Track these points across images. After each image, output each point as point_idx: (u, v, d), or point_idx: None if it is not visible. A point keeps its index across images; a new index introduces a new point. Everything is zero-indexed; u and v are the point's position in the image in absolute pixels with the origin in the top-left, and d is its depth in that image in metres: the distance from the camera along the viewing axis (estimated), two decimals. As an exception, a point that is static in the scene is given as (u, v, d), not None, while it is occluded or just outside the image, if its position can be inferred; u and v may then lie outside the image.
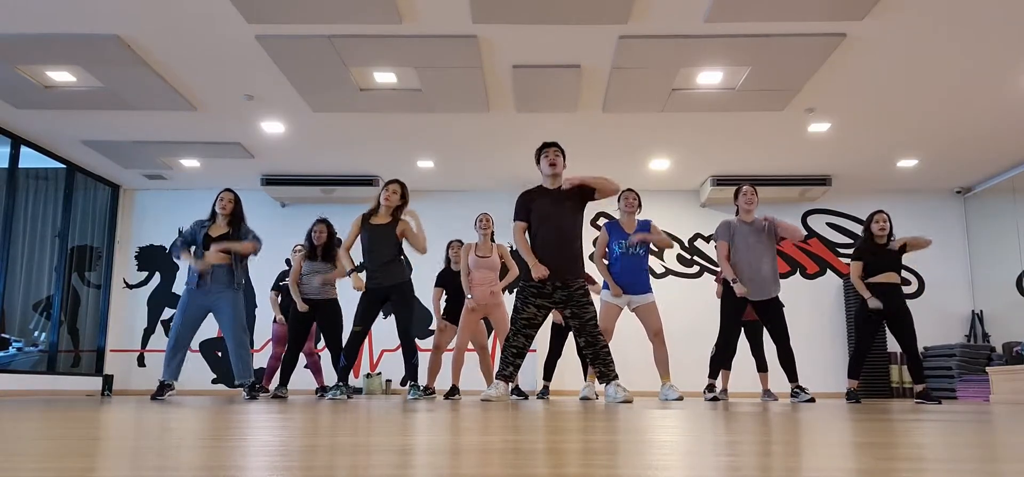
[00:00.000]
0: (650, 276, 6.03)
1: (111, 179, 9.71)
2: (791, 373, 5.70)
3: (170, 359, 5.51)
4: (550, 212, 4.72)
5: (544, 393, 6.79)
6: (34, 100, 7.01)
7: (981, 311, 9.53)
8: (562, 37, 5.81)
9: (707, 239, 9.95)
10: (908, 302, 9.60)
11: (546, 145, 4.93)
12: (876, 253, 6.15)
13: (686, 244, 9.90)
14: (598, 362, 4.63)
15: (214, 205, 5.76)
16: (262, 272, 9.45)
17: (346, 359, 5.59)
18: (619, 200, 5.97)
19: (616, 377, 4.68)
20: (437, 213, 9.71)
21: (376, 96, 6.89)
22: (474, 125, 7.63)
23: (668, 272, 9.83)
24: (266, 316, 9.59)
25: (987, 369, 8.06)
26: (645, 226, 5.84)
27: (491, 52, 6.07)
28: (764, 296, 5.73)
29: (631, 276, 5.76)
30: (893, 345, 9.42)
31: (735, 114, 7.29)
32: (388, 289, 5.64)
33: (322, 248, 6.66)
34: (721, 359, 5.92)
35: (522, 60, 6.19)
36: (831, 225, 9.90)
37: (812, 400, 5.67)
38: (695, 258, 9.93)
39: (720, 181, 9.20)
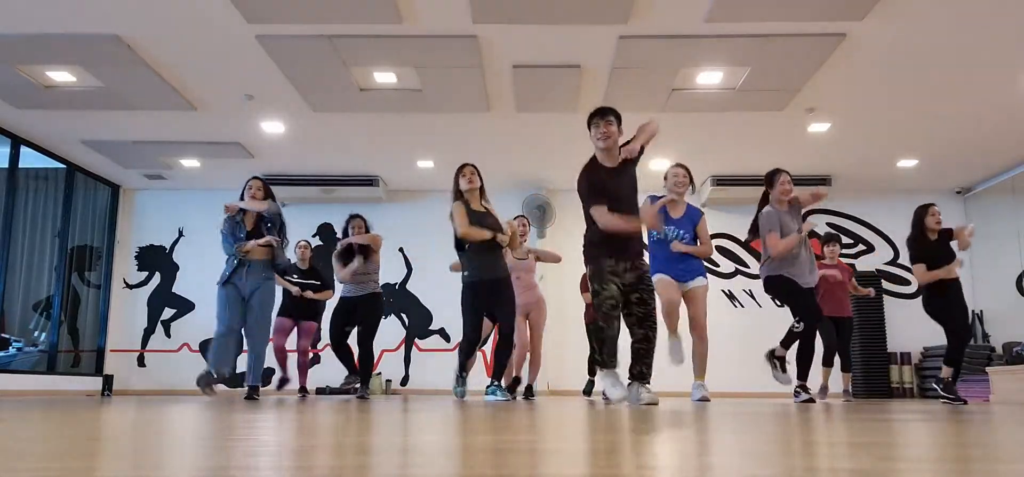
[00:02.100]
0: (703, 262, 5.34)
1: (111, 179, 9.71)
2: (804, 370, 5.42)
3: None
4: (619, 193, 4.29)
5: (591, 390, 6.97)
6: (34, 100, 7.01)
7: (981, 311, 9.52)
8: (562, 37, 5.81)
9: (707, 239, 9.93)
10: (908, 302, 9.64)
11: (597, 114, 4.36)
12: (931, 248, 5.87)
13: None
14: (643, 358, 4.26)
15: (243, 194, 5.59)
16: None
17: (465, 356, 5.32)
18: (666, 177, 5.39)
19: (648, 380, 4.29)
20: (438, 213, 9.69)
21: (376, 96, 6.89)
22: (474, 125, 7.63)
23: (668, 272, 9.82)
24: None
25: (987, 369, 8.05)
26: (693, 219, 5.25)
27: (491, 52, 6.07)
28: (811, 282, 5.34)
29: (678, 261, 5.17)
30: (893, 345, 9.42)
31: (735, 114, 7.28)
32: (491, 283, 5.21)
33: (362, 245, 6.20)
34: (806, 340, 5.35)
35: (522, 60, 6.19)
36: (831, 225, 9.89)
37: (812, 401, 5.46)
38: (695, 258, 9.92)
39: (720, 181, 9.20)
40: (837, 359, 6.87)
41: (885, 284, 9.70)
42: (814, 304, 5.38)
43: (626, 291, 4.26)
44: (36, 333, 8.95)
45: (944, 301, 5.88)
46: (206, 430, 1.87)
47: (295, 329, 7.49)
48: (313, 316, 7.50)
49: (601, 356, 4.28)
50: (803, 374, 5.41)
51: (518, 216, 6.42)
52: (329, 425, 2.08)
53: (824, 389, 6.88)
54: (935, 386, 6.05)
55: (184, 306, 9.79)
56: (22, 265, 8.86)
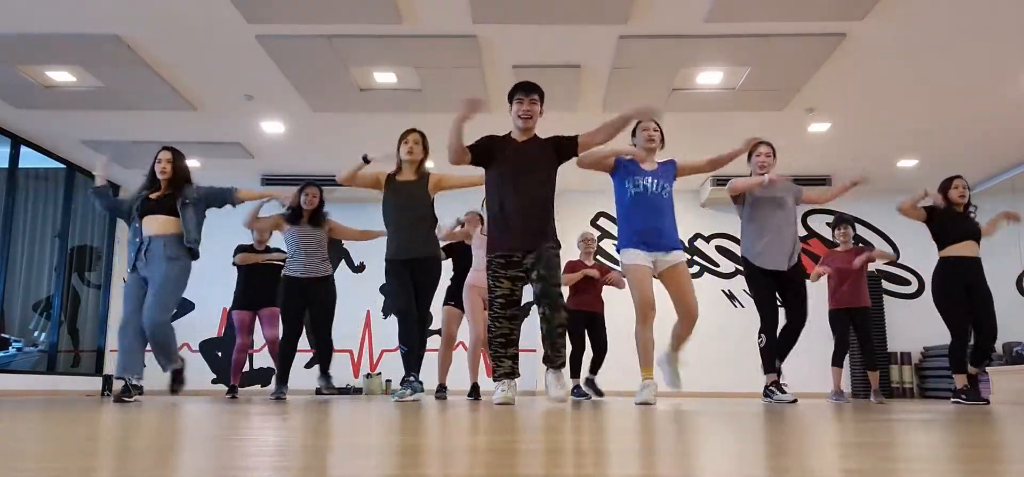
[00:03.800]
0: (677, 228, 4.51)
1: (111, 179, 9.71)
2: (782, 358, 5.13)
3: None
4: (518, 166, 3.99)
5: (577, 393, 6.48)
6: (34, 100, 7.01)
7: (981, 311, 9.51)
8: (562, 37, 5.81)
9: (707, 239, 9.94)
10: (908, 302, 9.63)
11: (521, 89, 4.10)
12: (952, 218, 5.42)
13: (686, 245, 9.89)
14: (547, 340, 3.96)
15: (152, 168, 4.81)
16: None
17: (407, 345, 4.70)
18: (634, 132, 4.64)
19: (563, 365, 4.02)
20: (439, 213, 9.68)
21: (376, 96, 6.89)
22: (474, 125, 7.58)
23: (668, 272, 9.81)
24: (218, 303, 9.48)
25: (987, 369, 8.05)
26: (670, 168, 4.53)
27: (491, 52, 6.07)
28: (781, 265, 5.01)
29: (654, 221, 4.32)
30: (893, 345, 9.41)
31: (735, 114, 7.29)
32: (419, 261, 4.76)
33: (310, 214, 5.84)
34: (771, 349, 5.02)
35: (522, 60, 6.19)
36: (831, 225, 9.90)
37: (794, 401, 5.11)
38: (695, 258, 9.93)
39: (720, 181, 9.20)
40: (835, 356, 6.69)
41: (885, 284, 9.70)
42: (774, 314, 5.02)
43: (528, 272, 3.97)
44: (36, 333, 8.95)
45: (957, 290, 5.36)
46: (206, 430, 1.87)
47: (256, 321, 6.69)
48: (271, 299, 6.52)
49: (492, 360, 3.98)
50: (770, 367, 5.09)
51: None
52: (330, 425, 2.08)
53: (838, 393, 6.54)
54: (957, 400, 5.49)
55: (184, 306, 9.79)
56: (22, 265, 8.86)
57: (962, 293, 5.38)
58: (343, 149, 8.45)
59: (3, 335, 8.33)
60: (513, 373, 3.99)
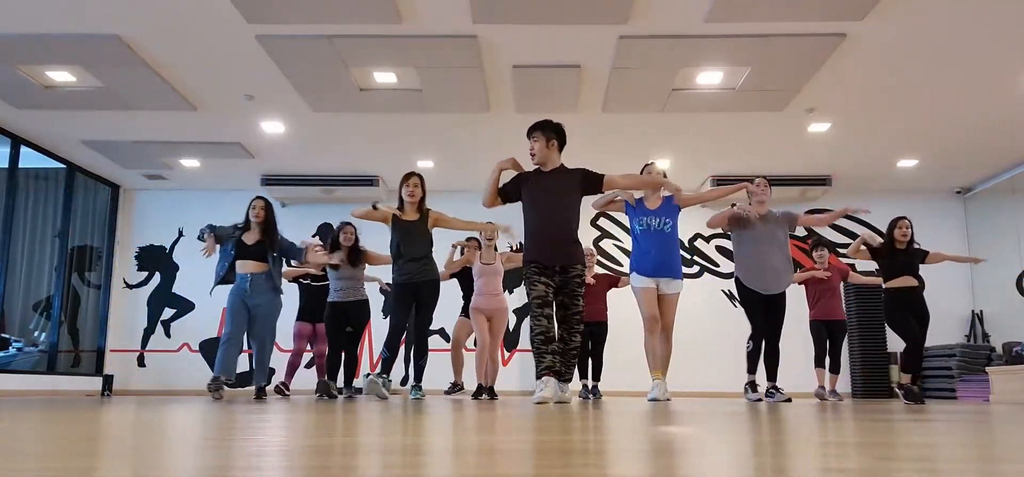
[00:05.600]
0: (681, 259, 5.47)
1: (111, 179, 9.71)
2: (772, 372, 5.71)
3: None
4: (543, 194, 4.50)
5: (587, 393, 6.79)
6: (34, 100, 7.01)
7: (981, 311, 9.52)
8: (562, 37, 5.81)
9: (707, 239, 9.94)
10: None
11: (529, 130, 4.69)
12: (893, 256, 6.15)
13: (686, 244, 9.89)
14: (563, 359, 4.42)
15: (247, 212, 5.81)
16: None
17: (389, 351, 5.47)
18: (643, 171, 5.44)
19: (569, 380, 4.50)
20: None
21: (376, 96, 6.89)
22: (474, 125, 7.62)
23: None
24: (217, 304, 9.52)
25: (987, 369, 8.06)
26: (671, 202, 5.36)
27: (491, 52, 6.06)
28: (774, 290, 5.58)
29: (660, 256, 5.23)
30: (893, 345, 9.41)
31: (735, 114, 7.28)
32: (420, 285, 5.51)
33: (349, 251, 6.54)
34: (756, 354, 5.72)
35: (522, 60, 6.19)
36: (831, 225, 9.90)
37: (788, 400, 5.70)
38: (695, 258, 9.92)
39: (720, 181, 9.19)
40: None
41: (885, 285, 9.69)
42: (762, 323, 5.65)
43: (555, 291, 4.45)
44: (36, 333, 8.95)
45: (902, 313, 6.06)
46: (206, 430, 1.87)
47: (314, 332, 7.33)
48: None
49: (535, 356, 4.41)
50: (752, 369, 5.74)
51: (486, 224, 6.40)
52: (330, 425, 2.08)
53: (831, 392, 7.07)
54: (898, 392, 6.21)
55: (184, 306, 9.79)
56: (22, 265, 8.86)
57: (908, 315, 6.07)
58: (343, 149, 8.46)
59: (3, 335, 8.34)
60: (553, 367, 4.34)
